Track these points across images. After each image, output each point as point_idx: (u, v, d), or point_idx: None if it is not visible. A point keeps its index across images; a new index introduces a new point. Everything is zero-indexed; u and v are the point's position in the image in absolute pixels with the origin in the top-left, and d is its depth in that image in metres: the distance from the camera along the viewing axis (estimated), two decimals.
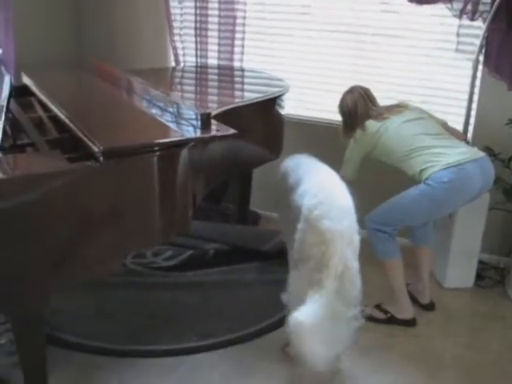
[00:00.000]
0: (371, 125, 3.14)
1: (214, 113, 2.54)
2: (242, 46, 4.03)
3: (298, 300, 2.38)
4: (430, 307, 3.28)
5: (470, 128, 3.59)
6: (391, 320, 3.10)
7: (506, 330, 3.13)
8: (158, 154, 2.10)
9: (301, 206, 2.52)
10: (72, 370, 2.61)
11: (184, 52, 4.22)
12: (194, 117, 2.37)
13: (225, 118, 2.61)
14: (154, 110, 2.65)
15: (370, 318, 3.02)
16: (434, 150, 2.96)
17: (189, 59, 4.22)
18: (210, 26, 4.06)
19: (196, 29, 4.08)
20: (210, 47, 4.10)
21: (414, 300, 3.27)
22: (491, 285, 3.57)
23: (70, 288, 2.18)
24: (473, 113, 3.55)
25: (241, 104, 2.92)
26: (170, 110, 2.60)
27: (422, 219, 3.12)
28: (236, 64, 4.05)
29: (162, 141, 2.15)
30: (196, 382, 2.59)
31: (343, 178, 2.85)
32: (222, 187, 4.09)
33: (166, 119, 2.50)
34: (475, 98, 3.52)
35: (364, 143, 3.17)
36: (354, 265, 2.39)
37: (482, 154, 3.01)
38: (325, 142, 3.93)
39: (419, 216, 3.06)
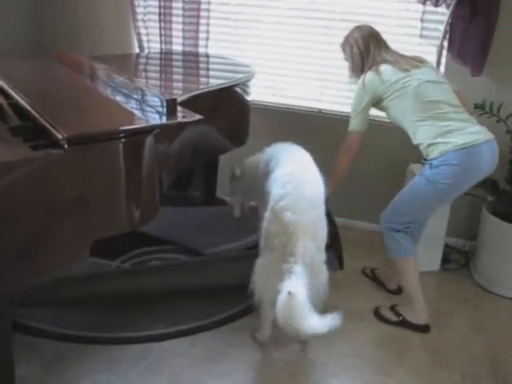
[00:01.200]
0: (388, 71, 2.85)
1: (179, 99, 2.52)
2: (207, 32, 3.99)
3: (263, 287, 2.47)
4: (397, 292, 3.29)
5: None
6: (403, 323, 2.99)
7: (471, 312, 3.18)
8: (123, 140, 2.06)
9: (269, 195, 2.57)
10: (40, 361, 2.57)
11: (148, 38, 4.16)
12: (159, 103, 2.33)
13: (190, 104, 2.58)
14: (119, 97, 2.60)
15: (382, 319, 3.02)
16: (451, 124, 2.72)
17: (153, 45, 4.17)
18: (174, 12, 4.01)
19: (160, 14, 4.02)
20: (174, 33, 4.05)
21: (380, 285, 3.32)
22: (456, 268, 3.63)
23: (37, 277, 2.13)
24: None
25: (206, 90, 2.89)
26: (136, 96, 2.57)
27: (431, 208, 2.99)
28: (201, 50, 4.01)
29: (127, 127, 2.11)
30: (165, 370, 2.58)
31: (351, 132, 2.94)
32: (187, 174, 4.06)
33: (132, 106, 2.47)
34: None
35: (374, 87, 2.87)
36: (318, 258, 2.47)
37: (492, 134, 2.79)
38: (292, 127, 3.96)
39: (428, 206, 2.93)
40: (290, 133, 3.92)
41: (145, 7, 4.11)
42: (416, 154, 3.60)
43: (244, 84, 3.22)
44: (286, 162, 2.75)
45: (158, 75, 3.64)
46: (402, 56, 2.96)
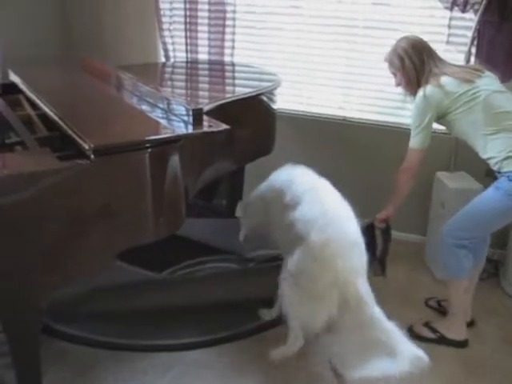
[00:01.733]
0: (451, 83, 2.69)
1: (205, 108, 2.52)
2: (233, 41, 4.00)
3: (303, 314, 2.37)
4: (470, 325, 3.05)
5: None
6: (441, 340, 2.90)
7: (501, 322, 3.13)
8: (149, 150, 2.07)
9: (306, 236, 2.39)
10: (67, 370, 2.58)
11: (174, 47, 4.18)
12: (185, 112, 2.33)
13: (216, 113, 2.59)
14: (144, 107, 2.61)
15: (417, 337, 2.83)
16: None
17: (179, 55, 4.18)
18: (199, 21, 4.02)
19: (186, 23, 4.04)
20: (200, 42, 4.06)
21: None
22: (486, 277, 3.56)
23: (63, 285, 2.14)
24: None
25: (232, 99, 2.88)
26: (161, 106, 2.57)
27: (504, 222, 2.81)
28: (226, 59, 4.02)
29: (153, 137, 2.13)
30: (192, 381, 2.57)
31: (413, 150, 2.83)
32: (213, 183, 4.05)
33: (157, 115, 2.47)
34: None
35: (437, 101, 2.71)
36: (369, 300, 2.29)
37: None
38: (317, 135, 3.94)
39: (504, 219, 2.76)
40: (315, 141, 3.93)
41: (170, 16, 4.13)
42: (442, 162, 3.59)
43: (270, 92, 3.20)
44: (312, 197, 2.60)
45: (184, 84, 3.65)
46: (459, 66, 2.85)
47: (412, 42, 2.84)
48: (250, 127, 3.04)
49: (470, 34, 3.40)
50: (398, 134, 3.76)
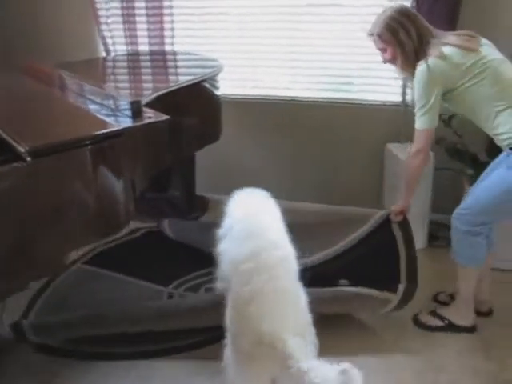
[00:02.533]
0: (457, 54, 2.42)
1: (146, 100, 2.48)
2: (172, 30, 3.93)
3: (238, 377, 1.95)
4: (488, 314, 2.94)
5: (409, 90, 3.59)
6: (450, 327, 2.79)
7: None
8: (89, 148, 2.01)
9: (230, 281, 2.02)
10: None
11: (113, 41, 4.09)
12: (124, 106, 2.28)
13: (159, 104, 2.56)
14: (85, 104, 2.56)
15: (426, 327, 2.82)
16: None
17: (119, 48, 4.10)
18: (137, 12, 3.94)
19: (123, 15, 3.96)
20: (139, 33, 3.98)
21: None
22: (445, 244, 3.59)
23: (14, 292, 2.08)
24: None
25: (173, 88, 2.84)
26: (101, 101, 2.52)
27: None
28: (167, 48, 3.95)
29: (90, 134, 2.06)
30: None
31: (422, 131, 2.54)
32: (166, 175, 4.01)
33: (96, 111, 2.42)
34: None
35: (445, 74, 2.43)
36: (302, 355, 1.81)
37: None
38: (266, 118, 3.91)
39: None
40: (265, 123, 3.91)
41: (107, 9, 4.03)
42: (392, 133, 3.60)
43: (212, 79, 3.17)
44: (241, 231, 2.15)
45: (126, 78, 3.59)
46: (455, 34, 2.56)
47: (402, 11, 2.52)
48: (194, 115, 3.01)
49: (409, 3, 3.41)
50: (348, 110, 3.78)
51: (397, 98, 3.62)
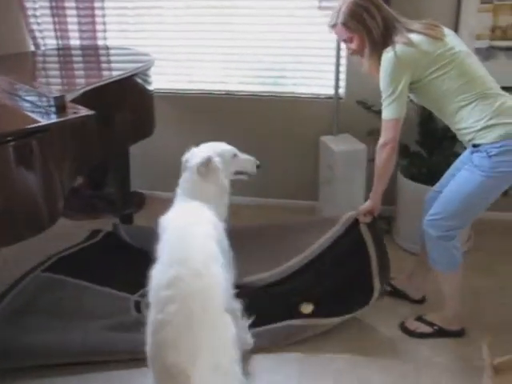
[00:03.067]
0: (424, 42, 2.32)
1: (73, 95, 2.44)
2: (104, 24, 3.85)
3: None
4: (421, 302, 2.96)
5: (342, 83, 3.63)
6: (440, 333, 2.72)
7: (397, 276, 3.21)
8: (10, 144, 1.96)
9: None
10: None
11: (43, 35, 3.98)
12: (48, 102, 2.23)
13: (88, 98, 2.51)
14: (8, 99, 2.48)
15: (415, 334, 2.74)
16: (502, 101, 2.30)
17: (49, 42, 3.98)
18: (67, 5, 3.83)
19: (52, 8, 3.84)
20: (70, 27, 3.88)
21: (403, 297, 2.98)
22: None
23: None
24: (342, 68, 3.58)
25: (102, 83, 2.79)
26: (26, 97, 2.46)
27: (487, 205, 2.48)
28: (100, 43, 3.87)
29: (9, 130, 2.00)
30: None
31: (390, 121, 2.42)
32: (101, 171, 3.95)
33: (21, 107, 2.36)
34: (343, 53, 3.55)
35: (414, 61, 2.32)
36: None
37: None
38: (201, 112, 3.89)
39: (490, 199, 2.43)
40: (199, 117, 3.89)
41: (34, 1, 3.91)
42: (326, 126, 3.64)
43: (143, 73, 3.13)
44: (166, 253, 2.05)
45: (56, 73, 3.50)
46: (416, 21, 2.43)
47: None
48: (125, 109, 2.98)
49: None
50: (282, 103, 3.80)
51: (330, 90, 3.64)
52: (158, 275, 1.96)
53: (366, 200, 3.51)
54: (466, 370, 2.51)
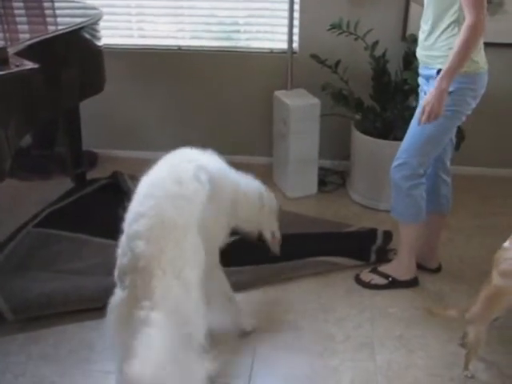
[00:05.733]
0: None
1: (17, 48, 2.33)
2: None
3: (113, 335, 1.90)
4: (438, 270, 2.90)
5: (296, 38, 3.59)
6: (394, 284, 2.76)
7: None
8: None
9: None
10: None
11: None
12: None
13: (33, 52, 2.41)
14: None
15: (370, 286, 2.77)
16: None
17: None
18: None
19: None
20: None
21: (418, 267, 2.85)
22: (334, 189, 3.69)
23: None
24: (296, 22, 3.54)
25: (48, 36, 2.67)
26: None
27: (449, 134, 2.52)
28: None
29: None
30: None
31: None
32: (52, 130, 3.83)
33: None
34: (296, 7, 3.50)
35: None
36: (188, 302, 1.83)
37: None
38: (153, 68, 3.81)
39: (448, 131, 2.47)
40: (151, 74, 3.81)
41: None
42: (279, 81, 3.60)
43: (91, 28, 3.01)
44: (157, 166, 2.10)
45: None
46: None
47: None
48: (72, 64, 2.86)
49: None
50: (235, 58, 3.74)
51: (283, 45, 3.60)
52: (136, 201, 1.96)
53: (319, 155, 3.55)
54: (419, 319, 2.57)
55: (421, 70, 2.51)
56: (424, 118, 2.28)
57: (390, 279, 2.77)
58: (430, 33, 2.35)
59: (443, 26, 2.29)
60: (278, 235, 2.57)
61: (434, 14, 2.32)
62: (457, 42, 2.18)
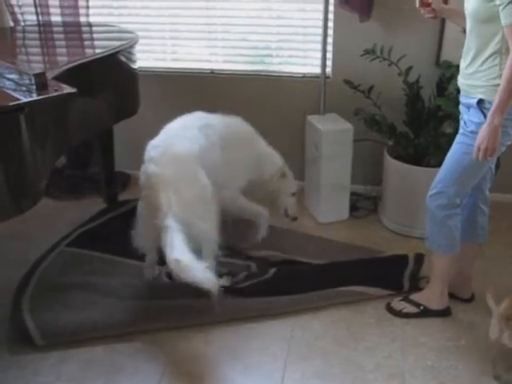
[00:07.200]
0: None
1: (55, 72, 2.38)
2: (87, 0, 3.76)
3: (140, 233, 2.68)
4: (471, 300, 2.84)
5: (329, 63, 3.59)
6: (425, 313, 2.72)
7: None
8: None
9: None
10: None
11: (22, 10, 3.86)
12: (29, 80, 2.17)
13: (70, 76, 2.46)
14: None
15: (402, 314, 2.74)
16: None
17: (29, 18, 3.87)
18: None
19: None
20: (51, 3, 3.76)
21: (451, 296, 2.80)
22: (365, 214, 3.66)
23: None
24: (329, 47, 3.55)
25: (85, 60, 2.72)
26: (6, 74, 2.37)
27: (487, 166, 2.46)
28: (82, 19, 3.78)
29: None
30: None
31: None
32: (85, 151, 3.88)
33: (4, 87, 2.28)
34: (330, 32, 3.51)
35: None
36: (187, 212, 2.46)
37: None
38: (186, 91, 3.84)
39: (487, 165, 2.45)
40: (184, 97, 3.84)
41: None
42: (312, 105, 3.61)
43: (127, 51, 3.06)
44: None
45: (37, 50, 3.41)
46: None
47: None
48: (108, 88, 2.91)
49: None
50: (268, 82, 3.75)
51: (317, 70, 3.60)
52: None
53: (352, 180, 3.54)
54: (451, 349, 2.53)
55: (461, 99, 2.48)
56: (481, 155, 2.24)
57: (422, 308, 2.73)
58: (472, 62, 2.32)
59: (485, 55, 2.26)
60: (292, 213, 3.15)
61: (476, 43, 2.29)
62: (503, 76, 2.15)
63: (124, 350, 2.51)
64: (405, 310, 2.74)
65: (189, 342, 2.58)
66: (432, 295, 2.72)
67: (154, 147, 2.64)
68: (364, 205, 3.74)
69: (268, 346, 2.55)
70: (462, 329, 2.66)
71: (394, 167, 3.36)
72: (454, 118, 3.09)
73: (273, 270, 3.00)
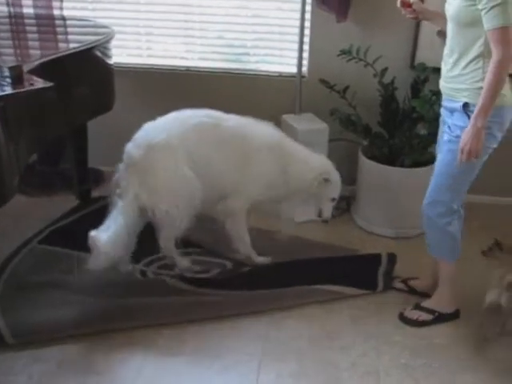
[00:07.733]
0: None
1: (30, 66, 2.33)
2: None
3: None
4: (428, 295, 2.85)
5: (305, 62, 3.60)
6: (440, 318, 2.71)
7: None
8: None
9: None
10: None
11: None
12: (2, 73, 2.13)
13: (45, 70, 2.42)
14: None
15: (417, 323, 2.70)
16: None
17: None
18: None
19: None
20: None
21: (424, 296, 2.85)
22: (339, 214, 3.66)
23: None
24: (306, 47, 3.55)
25: (61, 55, 2.69)
26: None
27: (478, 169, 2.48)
28: (55, 12, 3.71)
29: None
30: None
31: (504, 29, 2.11)
32: (58, 147, 3.82)
33: None
34: (307, 32, 3.52)
35: None
36: (144, 198, 2.65)
37: None
38: (161, 88, 3.81)
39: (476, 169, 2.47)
40: (159, 93, 3.81)
41: None
42: (288, 105, 3.61)
43: (103, 46, 3.02)
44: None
45: (9, 42, 3.34)
46: None
47: None
48: (83, 83, 2.88)
49: None
50: (244, 81, 3.75)
51: (293, 69, 3.61)
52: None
53: None
54: (424, 347, 2.56)
55: (445, 103, 2.50)
56: (464, 157, 2.27)
57: (437, 314, 2.72)
58: (454, 65, 2.35)
59: (468, 58, 2.29)
60: (325, 217, 3.06)
61: (459, 46, 2.32)
62: (486, 80, 2.19)
63: (98, 349, 2.48)
64: (420, 318, 2.72)
65: (165, 341, 2.55)
66: (442, 299, 2.73)
67: (144, 130, 2.78)
68: (338, 204, 3.75)
69: (243, 346, 2.54)
70: (435, 327, 2.69)
71: (368, 167, 3.39)
72: (428, 120, 3.15)
73: (247, 268, 3.02)
